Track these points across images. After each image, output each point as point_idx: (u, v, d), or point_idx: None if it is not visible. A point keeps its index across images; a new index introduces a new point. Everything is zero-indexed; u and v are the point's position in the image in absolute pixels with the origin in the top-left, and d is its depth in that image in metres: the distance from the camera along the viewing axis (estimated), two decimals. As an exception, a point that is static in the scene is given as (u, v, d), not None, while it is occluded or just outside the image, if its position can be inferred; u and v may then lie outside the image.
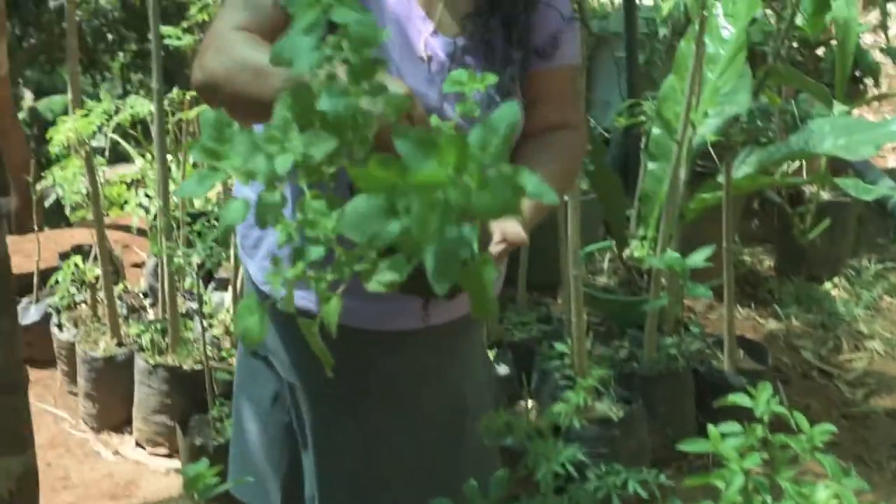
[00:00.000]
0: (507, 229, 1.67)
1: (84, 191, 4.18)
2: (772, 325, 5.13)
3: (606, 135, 5.57)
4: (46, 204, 4.71)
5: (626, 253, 4.56)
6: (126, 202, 4.51)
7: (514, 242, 1.68)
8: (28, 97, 10.99)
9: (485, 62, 1.88)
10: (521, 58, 1.91)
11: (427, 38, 1.87)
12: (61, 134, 3.86)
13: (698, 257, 3.48)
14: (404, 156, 1.01)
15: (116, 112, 4.10)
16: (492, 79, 1.49)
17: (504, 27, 1.90)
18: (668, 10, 4.52)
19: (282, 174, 1.10)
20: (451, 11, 1.90)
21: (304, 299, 1.85)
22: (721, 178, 4.05)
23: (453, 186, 1.01)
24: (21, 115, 9.40)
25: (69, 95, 3.96)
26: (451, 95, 1.82)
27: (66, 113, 4.10)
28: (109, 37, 11.17)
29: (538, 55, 1.94)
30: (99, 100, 4.03)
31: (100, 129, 3.98)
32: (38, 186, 4.58)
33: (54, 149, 3.94)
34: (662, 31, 5.38)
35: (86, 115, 3.85)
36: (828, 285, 5.52)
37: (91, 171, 4.00)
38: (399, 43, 1.85)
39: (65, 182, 4.10)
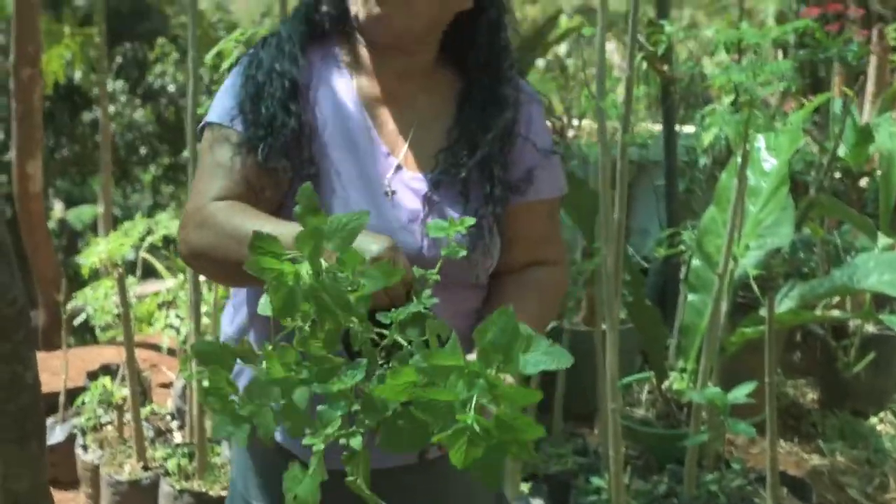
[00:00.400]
0: None
1: (115, 311, 4.15)
2: (816, 460, 4.99)
3: (645, 264, 5.51)
4: (76, 322, 4.68)
5: (666, 385, 4.46)
6: (155, 320, 4.48)
7: None
8: (58, 208, 11.11)
9: (460, 199, 1.83)
10: (498, 194, 1.86)
11: (391, 175, 1.83)
12: (94, 256, 3.84)
13: (740, 393, 3.39)
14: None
15: (149, 233, 4.09)
16: (471, 222, 1.53)
17: (480, 163, 1.86)
18: (708, 141, 4.48)
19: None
20: (416, 149, 1.86)
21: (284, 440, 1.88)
22: (763, 312, 3.97)
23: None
24: (50, 225, 9.49)
25: (100, 208, 3.96)
26: (405, 224, 1.80)
27: (95, 224, 4.09)
28: (142, 150, 11.33)
29: (512, 191, 1.90)
30: (129, 212, 4.03)
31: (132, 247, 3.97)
32: (68, 305, 4.56)
33: (86, 270, 3.92)
34: (702, 161, 5.35)
35: (120, 238, 3.83)
36: (873, 420, 5.38)
37: (123, 293, 3.97)
38: (357, 174, 1.82)
39: (96, 303, 4.07)
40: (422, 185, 1.83)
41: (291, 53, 1.88)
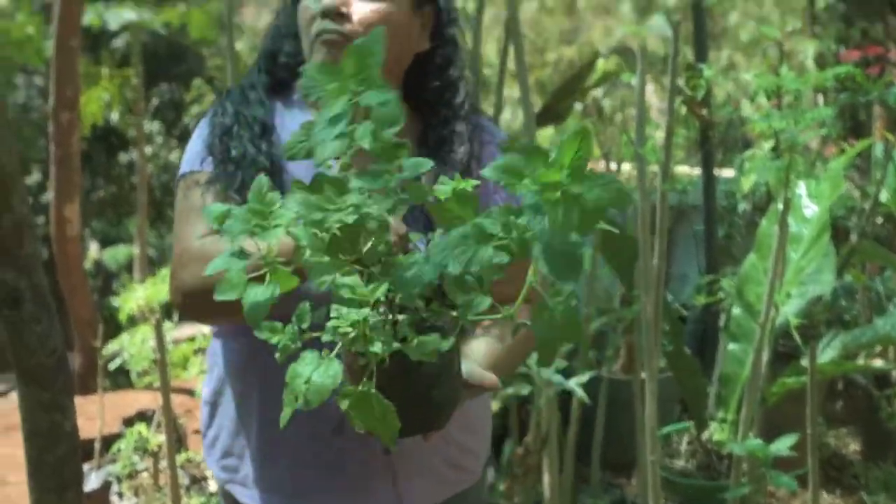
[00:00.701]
0: (474, 375, 1.61)
1: (151, 356, 4.14)
2: (858, 512, 4.90)
3: (683, 311, 5.45)
4: (111, 367, 4.67)
5: (706, 435, 4.39)
6: (191, 365, 4.46)
7: (488, 385, 1.62)
8: (93, 248, 11.16)
9: (423, 232, 1.81)
10: None
11: None
12: (131, 302, 3.83)
13: (782, 445, 3.33)
14: (517, 163, 1.18)
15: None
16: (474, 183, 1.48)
17: None
18: (748, 187, 4.44)
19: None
20: None
21: (248, 497, 1.89)
22: (804, 361, 3.91)
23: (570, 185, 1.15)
24: (86, 266, 9.53)
25: (136, 249, 3.96)
26: None
27: (130, 264, 4.10)
28: (178, 192, 11.40)
29: None
30: (164, 253, 4.04)
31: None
32: (104, 350, 4.55)
33: (124, 315, 3.91)
34: (742, 206, 5.30)
35: (157, 284, 3.83)
36: (917, 471, 5.29)
37: (160, 340, 3.95)
38: None
39: (133, 348, 4.06)
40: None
41: (256, 98, 1.93)
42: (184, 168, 1.92)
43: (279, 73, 1.97)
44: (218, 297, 1.35)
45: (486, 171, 1.21)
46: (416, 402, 1.40)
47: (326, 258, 1.30)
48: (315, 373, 1.26)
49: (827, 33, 7.56)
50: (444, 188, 1.34)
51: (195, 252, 1.76)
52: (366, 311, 1.27)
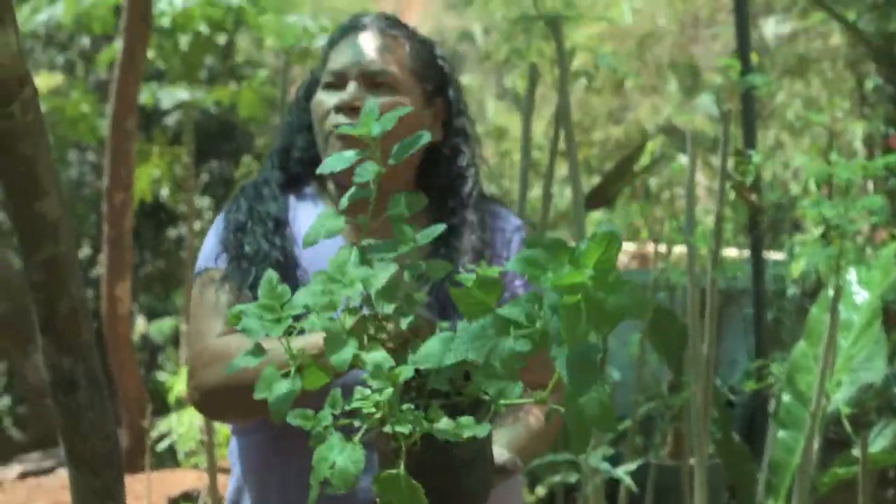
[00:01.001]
0: (499, 458, 1.59)
1: (199, 437, 4.15)
2: None
3: (731, 395, 5.40)
4: (159, 448, 4.69)
5: (755, 523, 4.34)
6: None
7: (510, 468, 1.62)
8: (140, 322, 11.21)
9: (439, 318, 1.80)
10: None
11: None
12: (181, 384, 3.85)
13: (834, 535, 3.27)
14: (540, 260, 1.17)
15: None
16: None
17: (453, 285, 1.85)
18: (798, 273, 4.42)
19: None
20: None
21: None
22: (855, 450, 3.87)
23: (591, 289, 1.14)
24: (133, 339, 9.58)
25: (182, 325, 3.99)
26: None
27: (177, 338, 4.13)
28: (225, 266, 11.47)
29: None
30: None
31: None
32: (153, 431, 4.57)
33: (173, 397, 3.94)
34: (791, 290, 5.27)
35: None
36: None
37: (208, 421, 3.97)
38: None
39: (181, 429, 4.08)
40: None
41: (270, 194, 1.96)
42: (199, 265, 1.94)
43: (292, 167, 2.01)
44: (257, 396, 1.36)
45: (510, 264, 1.22)
46: (449, 489, 1.39)
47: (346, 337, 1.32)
48: (340, 457, 1.26)
49: (875, 114, 7.53)
50: (467, 276, 1.35)
51: (214, 351, 1.78)
52: (390, 390, 1.27)
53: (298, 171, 2.01)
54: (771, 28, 9.46)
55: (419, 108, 1.92)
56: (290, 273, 1.86)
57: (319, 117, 1.90)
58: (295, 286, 1.81)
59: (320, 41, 7.07)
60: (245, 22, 8.11)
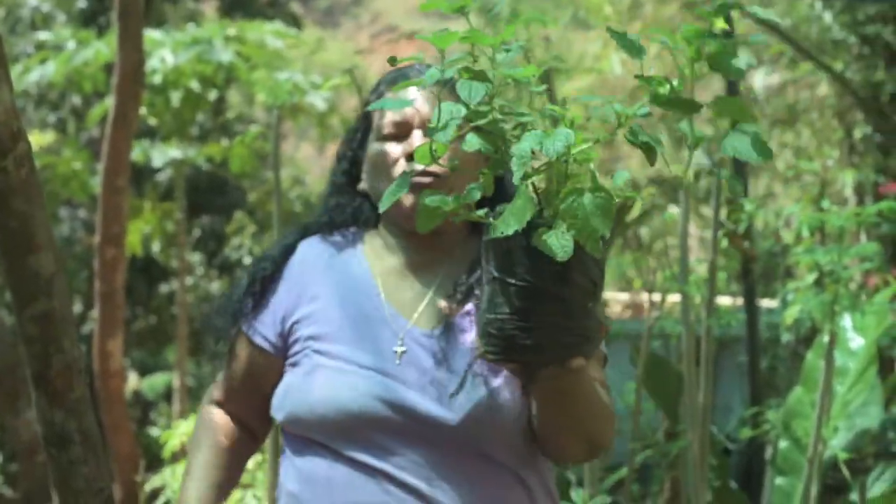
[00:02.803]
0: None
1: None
2: None
3: (727, 443, 5.39)
4: (154, 504, 4.65)
5: (754, 572, 4.31)
6: (233, 500, 4.43)
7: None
8: (132, 378, 11.17)
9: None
10: None
11: (403, 335, 1.80)
12: (175, 438, 3.83)
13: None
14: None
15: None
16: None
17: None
18: (792, 319, 4.42)
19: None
20: (430, 309, 1.83)
21: None
22: (853, 496, 3.86)
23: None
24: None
25: (175, 379, 3.97)
26: (418, 382, 1.75)
27: (169, 394, 4.11)
28: (217, 322, 11.46)
29: None
30: (202, 381, 4.05)
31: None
32: (146, 486, 4.54)
33: (168, 452, 3.91)
34: (786, 337, 5.28)
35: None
36: None
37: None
38: (358, 339, 1.81)
39: (176, 483, 4.05)
40: (431, 341, 1.80)
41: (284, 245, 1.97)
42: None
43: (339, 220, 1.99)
44: None
45: None
46: (576, 313, 1.45)
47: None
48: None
49: (865, 163, 7.59)
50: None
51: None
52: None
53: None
54: (760, 79, 9.54)
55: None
56: (288, 323, 1.88)
57: (385, 167, 1.88)
58: (306, 336, 1.85)
59: (311, 97, 7.11)
60: (236, 78, 8.16)
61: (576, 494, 3.47)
